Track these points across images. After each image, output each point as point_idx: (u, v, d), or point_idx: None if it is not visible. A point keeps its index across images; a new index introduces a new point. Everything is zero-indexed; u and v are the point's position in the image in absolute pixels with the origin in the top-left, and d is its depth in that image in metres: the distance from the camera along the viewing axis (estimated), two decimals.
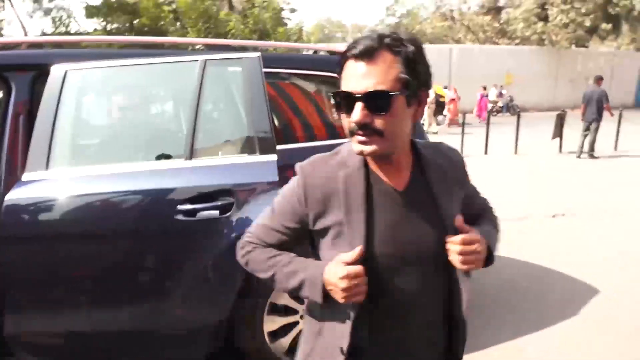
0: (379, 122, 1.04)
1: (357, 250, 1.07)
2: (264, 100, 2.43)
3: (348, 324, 1.13)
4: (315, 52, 3.40)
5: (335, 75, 2.76)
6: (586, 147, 10.52)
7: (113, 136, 2.75)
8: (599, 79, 10.65)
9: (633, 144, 11.90)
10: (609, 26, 28.27)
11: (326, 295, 1.11)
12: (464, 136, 11.55)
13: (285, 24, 20.56)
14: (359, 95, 1.03)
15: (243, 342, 2.54)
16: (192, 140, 2.36)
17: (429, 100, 12.08)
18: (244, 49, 2.94)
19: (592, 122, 10.39)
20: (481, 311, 3.44)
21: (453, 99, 17.53)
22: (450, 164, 1.23)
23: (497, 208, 1.42)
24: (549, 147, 11.51)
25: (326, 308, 1.16)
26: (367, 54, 1.03)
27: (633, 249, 4.79)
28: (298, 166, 1.21)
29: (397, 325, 1.16)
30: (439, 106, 16.77)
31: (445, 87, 18.64)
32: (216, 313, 2.41)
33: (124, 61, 2.43)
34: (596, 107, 10.33)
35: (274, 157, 2.41)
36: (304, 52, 3.53)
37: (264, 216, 1.29)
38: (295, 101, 3.17)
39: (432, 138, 2.90)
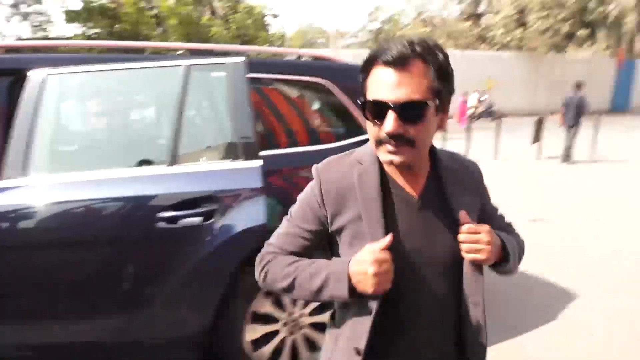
0: (411, 132, 1.04)
1: (388, 238, 1.05)
2: (247, 106, 2.42)
3: (366, 325, 1.12)
4: (299, 57, 3.40)
5: (318, 80, 2.79)
6: (563, 151, 10.70)
7: (94, 142, 2.71)
8: (578, 85, 10.87)
9: (610, 149, 12.13)
10: (585, 33, 28.89)
11: (352, 291, 1.08)
12: (446, 142, 11.65)
13: (268, 30, 20.56)
14: (392, 105, 1.02)
15: (225, 351, 2.51)
16: (175, 146, 2.33)
17: None
18: (227, 54, 2.93)
19: (571, 127, 10.59)
20: None
21: None
22: (467, 174, 1.24)
23: None
24: (528, 152, 11.67)
25: (348, 308, 1.16)
26: (400, 62, 1.02)
27: (611, 253, 4.87)
28: (314, 167, 1.22)
29: (410, 328, 1.16)
30: None
31: None
32: (198, 322, 2.38)
33: (106, 66, 2.40)
34: (574, 113, 10.54)
35: (258, 163, 2.39)
36: (288, 58, 3.53)
37: (281, 226, 1.27)
38: (279, 107, 3.16)
39: None
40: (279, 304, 2.55)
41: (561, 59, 27.63)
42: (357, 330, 1.14)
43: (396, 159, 1.06)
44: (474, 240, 1.09)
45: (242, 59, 2.47)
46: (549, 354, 3.01)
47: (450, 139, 11.19)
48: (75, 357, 2.29)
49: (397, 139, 1.04)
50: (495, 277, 4.18)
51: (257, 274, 1.24)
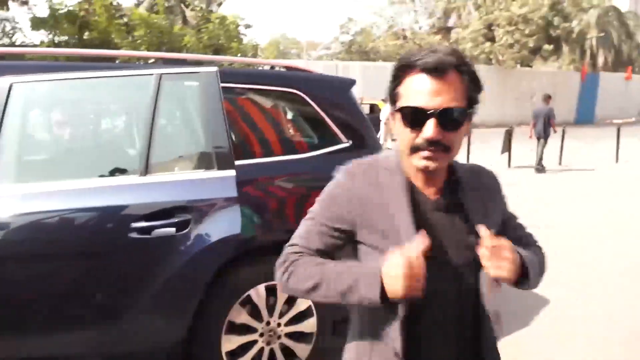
0: (449, 139, 1.06)
1: (422, 241, 1.04)
2: (221, 115, 2.40)
3: (398, 330, 1.12)
4: (272, 67, 3.41)
5: (292, 91, 2.80)
6: (534, 162, 11.00)
7: (63, 152, 2.66)
8: (547, 97, 11.25)
9: (576, 159, 12.51)
10: (551, 47, 29.82)
11: (383, 294, 1.06)
12: None
13: (241, 40, 20.53)
14: (432, 112, 1.04)
15: None
16: (147, 156, 2.30)
17: (386, 115, 12.21)
18: (200, 63, 2.91)
19: (540, 138, 10.92)
20: None
21: None
22: (483, 183, 1.26)
23: None
24: (499, 162, 11.93)
25: (377, 314, 1.15)
26: (439, 70, 1.04)
27: (581, 260, 5.00)
28: (342, 169, 1.22)
29: (429, 330, 1.16)
30: (378, 123, 16.79)
31: None
32: (173, 333, 2.34)
33: (76, 74, 2.36)
34: (543, 124, 10.88)
35: (232, 173, 2.38)
36: (262, 68, 3.54)
37: (301, 228, 1.25)
38: (253, 116, 3.16)
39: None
40: (255, 314, 2.53)
41: (528, 72, 28.46)
42: (389, 334, 1.14)
43: (432, 164, 1.08)
44: (497, 256, 1.07)
45: (215, 68, 2.46)
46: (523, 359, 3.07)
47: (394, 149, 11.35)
48: None
49: (434, 145, 1.06)
50: None
51: (280, 275, 1.21)
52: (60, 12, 18.28)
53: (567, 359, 3.11)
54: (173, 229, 2.24)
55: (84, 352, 2.23)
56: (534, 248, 1.32)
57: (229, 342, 2.47)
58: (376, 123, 17.09)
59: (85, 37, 18.33)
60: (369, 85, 22.01)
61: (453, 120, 1.06)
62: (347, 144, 2.76)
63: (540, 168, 10.91)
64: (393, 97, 1.13)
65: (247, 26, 21.82)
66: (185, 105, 2.76)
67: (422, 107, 1.05)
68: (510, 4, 27.44)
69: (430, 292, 1.07)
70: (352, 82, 3.05)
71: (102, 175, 2.35)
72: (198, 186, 2.36)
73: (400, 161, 1.19)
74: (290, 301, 2.60)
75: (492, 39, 27.69)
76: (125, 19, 18.74)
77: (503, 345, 1.32)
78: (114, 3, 18.64)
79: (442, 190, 1.19)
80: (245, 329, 2.53)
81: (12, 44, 19.54)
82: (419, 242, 1.04)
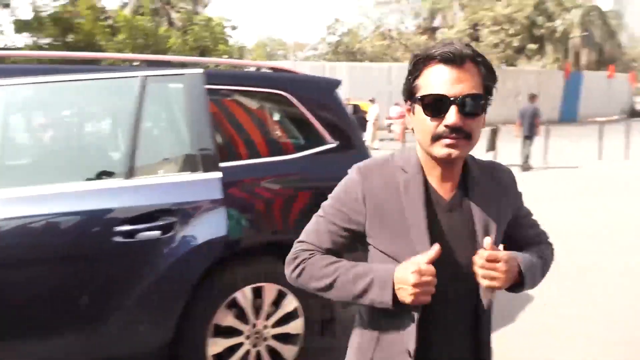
0: (469, 125, 1.08)
1: (435, 249, 1.07)
2: (206, 117, 2.40)
3: (413, 328, 1.14)
4: (258, 69, 3.40)
5: (278, 92, 2.80)
6: (521, 160, 11.11)
7: (46, 156, 2.62)
8: (532, 97, 11.37)
9: (560, 156, 12.66)
10: (535, 46, 30.17)
11: (395, 298, 1.09)
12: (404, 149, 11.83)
13: (227, 41, 20.47)
14: (453, 99, 1.06)
15: None
16: (132, 159, 2.28)
17: (374, 116, 12.19)
18: (185, 65, 2.90)
19: (527, 136, 11.02)
20: None
21: (403, 115, 17.80)
22: (498, 181, 1.26)
23: None
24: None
25: (387, 316, 1.16)
26: (459, 60, 1.07)
27: (564, 259, 5.06)
28: (356, 167, 1.22)
29: (438, 328, 1.18)
30: (361, 123, 16.90)
31: (397, 104, 19.05)
32: (158, 337, 2.33)
33: (59, 77, 2.33)
34: (529, 123, 10.99)
35: (217, 175, 2.37)
36: (248, 69, 3.53)
37: (312, 223, 1.27)
38: (239, 118, 3.15)
39: (373, 154, 2.95)
40: (241, 316, 2.52)
41: (513, 71, 28.73)
42: (402, 334, 1.16)
43: (455, 152, 1.09)
44: (491, 268, 1.10)
45: (200, 70, 2.45)
46: (507, 357, 3.09)
47: (412, 149, 11.42)
48: None
49: (456, 132, 1.07)
50: None
51: (290, 271, 1.24)
52: (44, 14, 18.09)
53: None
54: (158, 232, 2.22)
55: (67, 357, 2.20)
56: (544, 246, 1.35)
57: (215, 345, 2.46)
58: (361, 123, 17.17)
59: (69, 39, 18.15)
60: (356, 85, 22.13)
61: (474, 107, 1.08)
62: (333, 145, 2.76)
63: (526, 166, 11.03)
64: (411, 91, 1.14)
65: (234, 27, 21.82)
66: (170, 107, 2.75)
67: (444, 94, 1.07)
68: (495, 4, 27.72)
69: (439, 293, 1.09)
70: (337, 83, 3.06)
71: (86, 179, 2.32)
72: (183, 189, 2.34)
73: (416, 159, 1.19)
74: (277, 303, 2.60)
75: (477, 39, 27.94)
76: (110, 21, 18.59)
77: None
78: (99, 5, 18.48)
79: (457, 187, 1.20)
80: (232, 332, 2.52)
81: None
82: (432, 251, 1.07)
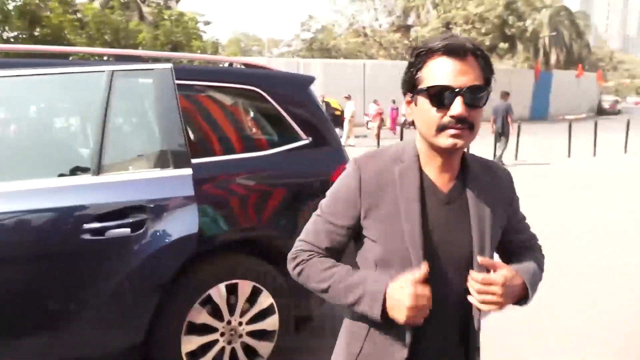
0: (473, 116, 1.09)
1: (424, 269, 1.07)
2: (177, 113, 2.36)
3: (406, 334, 1.15)
4: (231, 64, 3.36)
5: (252, 88, 2.77)
6: (495, 157, 11.31)
7: (11, 152, 2.53)
8: (505, 94, 11.54)
9: (531, 154, 12.93)
10: (506, 45, 30.71)
11: (384, 313, 1.11)
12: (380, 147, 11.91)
13: (200, 37, 20.22)
14: (459, 90, 1.07)
15: None
16: (100, 155, 2.23)
17: (350, 113, 12.23)
18: (156, 60, 2.84)
19: (501, 134, 11.21)
20: None
21: (380, 113, 17.93)
22: (496, 182, 1.26)
23: None
24: None
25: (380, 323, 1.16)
26: (462, 53, 1.09)
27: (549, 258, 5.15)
28: (353, 159, 1.22)
29: (431, 321, 1.16)
30: (334, 120, 16.90)
31: (375, 101, 19.15)
32: (130, 335, 2.28)
33: (25, 71, 2.26)
34: (502, 120, 11.18)
35: (189, 171, 2.34)
36: (221, 65, 3.48)
37: (312, 222, 1.28)
38: (211, 114, 3.11)
39: (348, 150, 2.95)
40: (216, 313, 2.49)
41: None
42: (394, 335, 1.17)
43: (460, 142, 1.10)
44: (487, 292, 1.10)
45: (169, 65, 2.41)
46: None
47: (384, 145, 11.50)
48: None
49: (461, 123, 1.09)
50: None
51: (292, 269, 1.27)
52: (10, 6, 17.53)
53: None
54: (128, 230, 2.18)
55: (35, 359, 2.14)
56: (537, 253, 1.36)
57: (189, 343, 2.43)
58: (333, 120, 17.12)
59: (36, 33, 17.65)
60: (330, 82, 22.14)
61: (478, 98, 1.09)
62: (307, 141, 2.75)
63: (500, 163, 11.24)
64: (412, 83, 1.15)
65: (207, 23, 21.58)
66: (139, 102, 2.69)
67: (449, 85, 1.08)
68: (467, 3, 28.10)
69: (433, 286, 1.10)
70: (311, 80, 3.05)
71: (53, 176, 2.26)
72: (153, 185, 2.30)
73: (413, 150, 1.20)
74: (252, 299, 2.58)
75: None
76: (79, 15, 18.14)
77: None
78: None
79: (455, 181, 1.20)
80: (206, 329, 2.49)
81: None
82: (423, 269, 1.07)
